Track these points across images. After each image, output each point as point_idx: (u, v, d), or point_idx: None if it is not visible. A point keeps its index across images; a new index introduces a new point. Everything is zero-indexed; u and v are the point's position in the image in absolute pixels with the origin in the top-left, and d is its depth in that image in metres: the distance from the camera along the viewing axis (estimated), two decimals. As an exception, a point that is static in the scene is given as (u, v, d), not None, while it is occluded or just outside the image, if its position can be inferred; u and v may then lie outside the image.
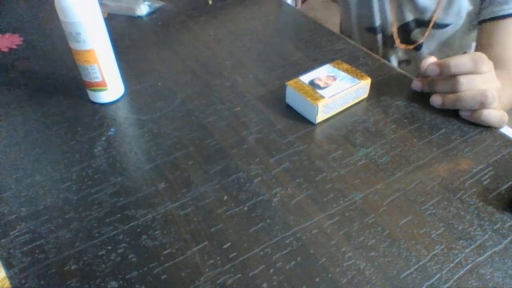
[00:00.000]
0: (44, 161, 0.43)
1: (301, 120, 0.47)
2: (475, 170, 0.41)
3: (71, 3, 0.43)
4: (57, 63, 0.58)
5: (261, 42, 0.62)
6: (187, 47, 0.59)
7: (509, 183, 0.39)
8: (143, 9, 0.69)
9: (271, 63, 0.57)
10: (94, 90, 0.49)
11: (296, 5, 0.91)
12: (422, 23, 0.69)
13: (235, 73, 0.55)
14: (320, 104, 0.45)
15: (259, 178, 0.40)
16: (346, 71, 0.49)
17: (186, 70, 0.56)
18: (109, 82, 0.49)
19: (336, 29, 0.65)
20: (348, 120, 0.47)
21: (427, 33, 0.70)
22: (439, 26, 0.68)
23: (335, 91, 0.46)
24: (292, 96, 0.48)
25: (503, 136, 0.44)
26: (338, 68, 0.49)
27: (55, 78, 0.56)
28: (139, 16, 0.69)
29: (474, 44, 0.71)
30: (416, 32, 0.71)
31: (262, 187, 0.40)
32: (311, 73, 0.49)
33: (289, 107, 0.49)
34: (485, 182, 0.39)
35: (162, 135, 0.46)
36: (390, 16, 0.72)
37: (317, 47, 0.60)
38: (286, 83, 0.48)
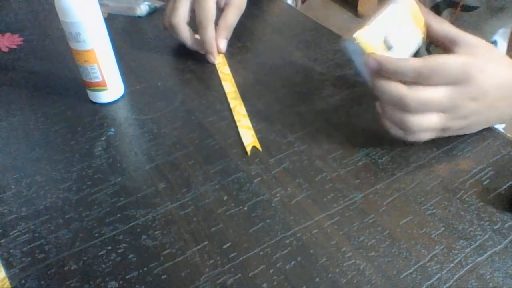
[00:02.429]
0: (44, 161, 0.43)
1: (301, 119, 0.47)
2: (475, 170, 0.41)
3: (71, 3, 0.43)
4: (57, 63, 0.58)
5: (261, 42, 0.62)
6: (187, 47, 0.59)
7: (509, 183, 0.39)
8: (143, 9, 0.69)
9: (271, 63, 0.57)
10: (94, 90, 0.49)
11: (296, 5, 0.91)
12: (452, 4, 0.69)
13: (235, 73, 0.55)
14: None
15: (259, 178, 0.40)
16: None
17: (186, 70, 0.56)
18: (109, 82, 0.49)
19: (336, 29, 0.65)
20: (348, 120, 0.47)
21: (455, 16, 0.69)
22: (467, 8, 0.67)
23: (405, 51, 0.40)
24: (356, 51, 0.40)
25: (503, 136, 0.44)
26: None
27: (55, 78, 0.56)
28: (139, 16, 0.69)
29: (502, 31, 0.68)
30: (445, 14, 0.71)
31: (262, 187, 0.40)
32: (383, 20, 0.40)
33: (289, 107, 0.49)
34: (485, 182, 0.39)
35: (162, 135, 0.46)
36: None
37: (317, 47, 0.60)
38: (355, 35, 0.39)
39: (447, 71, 0.36)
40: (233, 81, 0.53)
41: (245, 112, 0.48)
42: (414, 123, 0.38)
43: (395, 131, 0.40)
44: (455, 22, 0.70)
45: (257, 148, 0.43)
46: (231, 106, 0.49)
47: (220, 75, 0.54)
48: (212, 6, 0.54)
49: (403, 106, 0.37)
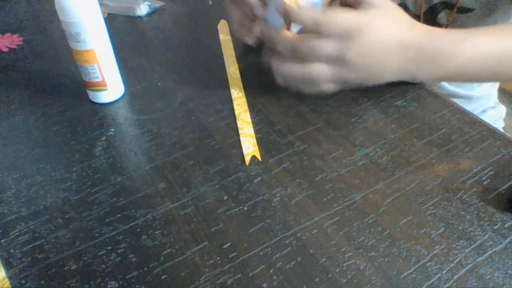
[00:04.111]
0: (44, 161, 0.43)
1: (301, 120, 0.47)
2: (475, 170, 0.41)
3: (71, 3, 0.43)
4: (57, 63, 0.58)
5: (261, 42, 0.62)
6: (187, 47, 0.59)
7: (509, 183, 0.39)
8: (143, 9, 0.69)
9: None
10: (94, 90, 0.49)
11: (296, 5, 0.90)
12: (448, 5, 0.68)
13: (235, 73, 0.55)
14: None
15: (259, 178, 0.40)
16: None
17: (186, 70, 0.56)
18: (109, 82, 0.49)
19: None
20: (348, 120, 0.47)
21: (452, 18, 0.68)
22: (463, 10, 0.67)
23: None
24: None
25: (503, 136, 0.44)
26: None
27: (55, 78, 0.56)
28: (139, 16, 0.69)
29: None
30: (441, 16, 0.70)
31: (262, 187, 0.40)
32: None
33: (289, 107, 0.49)
34: (485, 182, 0.39)
35: (162, 135, 0.46)
36: None
37: (317, 47, 0.60)
38: None
39: (338, 24, 0.42)
40: (241, 85, 0.52)
41: (249, 120, 0.47)
42: (307, 72, 0.43)
43: (302, 90, 0.45)
44: (451, 23, 0.70)
45: (256, 157, 0.43)
46: (236, 113, 0.48)
47: (229, 79, 0.54)
48: None
49: (294, 52, 0.43)
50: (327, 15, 0.42)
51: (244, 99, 0.50)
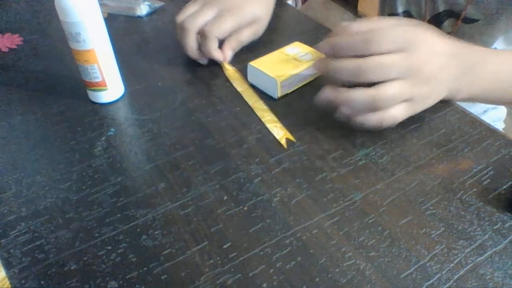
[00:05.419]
0: (44, 161, 0.43)
1: (301, 119, 0.47)
2: (475, 170, 0.41)
3: (71, 3, 0.43)
4: (57, 63, 0.58)
5: (261, 42, 0.62)
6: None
7: (509, 183, 0.39)
8: (143, 9, 0.69)
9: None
10: (94, 90, 0.49)
11: (296, 5, 0.91)
12: (452, 14, 0.68)
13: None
14: (280, 79, 0.48)
15: (259, 178, 0.40)
16: (304, 50, 0.53)
17: (186, 70, 0.56)
18: (109, 82, 0.49)
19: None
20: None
21: (456, 27, 0.68)
22: (468, 20, 0.67)
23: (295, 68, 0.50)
24: (254, 74, 0.51)
25: (503, 136, 0.44)
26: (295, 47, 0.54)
27: (55, 78, 0.56)
28: (139, 16, 0.69)
29: (503, 38, 0.67)
30: (446, 25, 0.70)
31: (262, 187, 0.40)
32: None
33: (289, 107, 0.49)
34: (485, 182, 0.39)
35: (162, 135, 0.46)
36: (424, 6, 0.71)
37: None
38: (249, 63, 0.51)
39: (391, 36, 0.39)
40: (241, 78, 0.53)
41: (265, 107, 0.48)
42: (379, 94, 0.39)
43: (369, 121, 0.41)
44: (455, 33, 0.69)
45: (290, 140, 0.44)
46: (250, 104, 0.49)
47: (230, 76, 0.54)
48: (229, 25, 0.53)
49: (362, 75, 0.39)
50: (374, 29, 0.40)
51: (250, 90, 0.51)
